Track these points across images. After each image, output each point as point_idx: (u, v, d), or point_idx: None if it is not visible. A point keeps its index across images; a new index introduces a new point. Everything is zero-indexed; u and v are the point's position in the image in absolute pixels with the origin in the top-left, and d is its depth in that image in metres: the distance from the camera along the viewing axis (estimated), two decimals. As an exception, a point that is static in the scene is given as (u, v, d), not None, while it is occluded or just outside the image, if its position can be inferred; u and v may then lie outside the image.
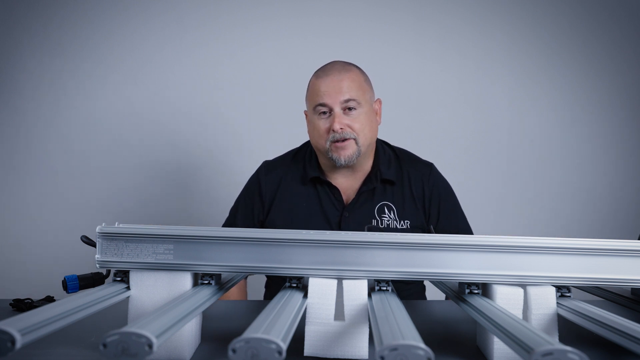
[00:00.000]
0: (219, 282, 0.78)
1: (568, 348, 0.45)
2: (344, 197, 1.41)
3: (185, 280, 0.73)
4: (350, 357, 0.70)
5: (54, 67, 2.25)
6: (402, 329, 0.53)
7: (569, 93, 2.36)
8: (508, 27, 2.35)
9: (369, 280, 0.74)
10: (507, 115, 2.35)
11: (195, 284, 0.76)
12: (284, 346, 0.48)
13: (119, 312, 0.79)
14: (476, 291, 0.75)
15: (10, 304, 0.95)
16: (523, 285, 0.73)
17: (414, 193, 1.40)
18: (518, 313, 0.72)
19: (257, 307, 0.92)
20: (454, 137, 2.32)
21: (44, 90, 2.25)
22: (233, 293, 1.37)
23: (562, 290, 0.75)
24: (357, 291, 0.71)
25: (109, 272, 0.81)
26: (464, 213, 1.48)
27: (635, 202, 2.33)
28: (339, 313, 0.71)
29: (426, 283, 1.49)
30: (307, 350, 0.70)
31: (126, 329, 0.47)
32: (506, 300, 0.71)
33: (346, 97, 1.32)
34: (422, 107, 2.33)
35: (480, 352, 0.76)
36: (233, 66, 2.30)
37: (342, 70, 1.35)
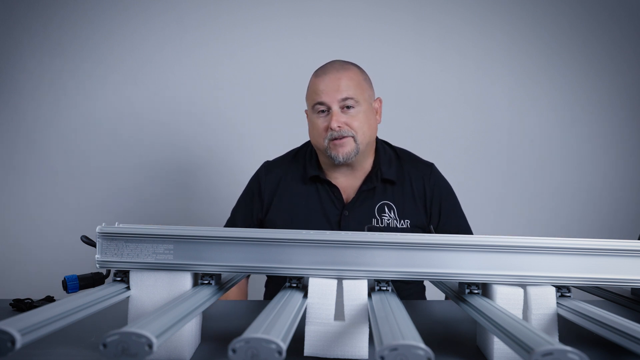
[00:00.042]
0: (219, 282, 0.78)
1: (568, 348, 0.45)
2: (344, 196, 1.41)
3: (185, 280, 0.73)
4: (350, 357, 0.70)
5: (54, 67, 2.26)
6: (402, 329, 0.53)
7: (569, 93, 2.36)
8: (508, 27, 2.35)
9: (369, 280, 0.74)
10: (507, 115, 2.35)
11: (195, 284, 0.76)
12: (284, 346, 0.48)
13: (119, 312, 0.78)
14: (476, 291, 0.75)
15: (10, 304, 0.95)
16: (523, 285, 0.73)
17: (414, 193, 1.40)
18: (518, 313, 0.72)
19: (257, 307, 0.92)
20: (454, 137, 2.33)
21: (44, 90, 2.25)
22: (233, 292, 1.37)
23: (562, 290, 0.75)
24: (357, 291, 0.71)
25: (109, 272, 0.81)
26: (463, 213, 1.48)
27: (635, 202, 2.33)
28: (339, 313, 0.71)
29: (426, 283, 1.49)
30: (307, 350, 0.70)
31: (126, 329, 0.47)
32: (506, 300, 0.71)
33: (344, 95, 1.32)
34: (422, 107, 2.33)
35: (480, 352, 0.76)
36: (233, 66, 2.30)
37: (341, 69, 1.36)
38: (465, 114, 2.33)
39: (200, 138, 2.29)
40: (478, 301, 0.70)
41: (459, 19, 2.34)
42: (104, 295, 0.67)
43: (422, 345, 0.47)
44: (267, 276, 1.51)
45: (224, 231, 0.74)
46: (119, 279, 0.75)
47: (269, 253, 0.73)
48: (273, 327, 0.53)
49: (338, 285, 0.72)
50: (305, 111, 1.44)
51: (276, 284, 1.45)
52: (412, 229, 1.37)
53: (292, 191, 1.42)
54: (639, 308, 0.87)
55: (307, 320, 0.70)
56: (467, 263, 0.72)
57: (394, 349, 0.47)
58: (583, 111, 2.36)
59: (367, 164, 1.42)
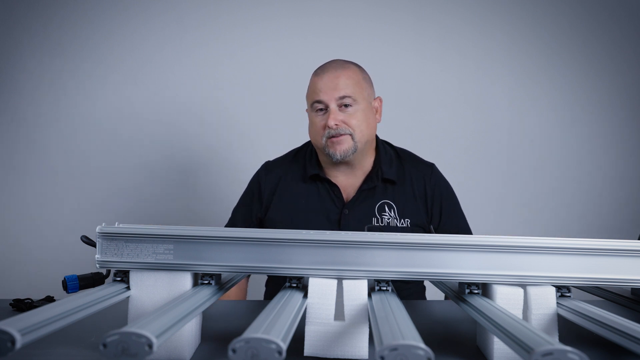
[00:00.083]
0: (219, 282, 0.78)
1: (568, 348, 0.45)
2: (344, 195, 1.41)
3: (185, 280, 0.73)
4: (350, 357, 0.70)
5: (54, 67, 2.26)
6: (402, 329, 0.53)
7: (569, 93, 2.36)
8: (508, 27, 2.35)
9: (369, 280, 0.74)
10: (507, 115, 2.35)
11: (195, 284, 0.76)
12: (284, 346, 0.48)
13: (119, 312, 0.79)
14: (476, 291, 0.75)
15: (10, 304, 0.95)
16: (523, 285, 0.73)
17: (415, 192, 1.41)
18: (518, 313, 0.72)
19: (257, 307, 0.92)
20: (454, 137, 2.33)
21: (44, 90, 2.25)
22: (232, 291, 1.37)
23: (562, 290, 0.75)
24: (357, 291, 0.71)
25: (109, 272, 0.81)
26: (463, 213, 1.49)
27: (635, 202, 2.33)
28: (339, 313, 0.71)
29: (426, 283, 1.49)
30: (307, 350, 0.70)
31: (126, 329, 0.47)
32: (506, 300, 0.71)
33: (341, 93, 1.33)
34: (422, 107, 2.33)
35: (480, 352, 0.76)
36: (233, 66, 2.30)
37: (339, 68, 1.36)
38: (465, 114, 2.33)
39: (200, 138, 2.29)
40: (478, 301, 0.70)
41: (459, 19, 2.34)
42: (104, 295, 0.67)
43: (422, 345, 0.47)
44: (268, 276, 1.51)
45: (224, 231, 0.74)
46: (119, 279, 0.75)
47: (269, 253, 0.73)
48: (273, 327, 0.53)
49: (338, 285, 0.72)
50: (307, 110, 1.45)
51: (276, 284, 1.45)
52: (412, 228, 1.37)
53: (292, 190, 1.43)
54: (639, 308, 0.87)
55: (307, 320, 0.70)
56: (467, 263, 0.72)
57: (394, 349, 0.47)
58: (583, 111, 2.36)
59: (367, 163, 1.42)
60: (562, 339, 0.72)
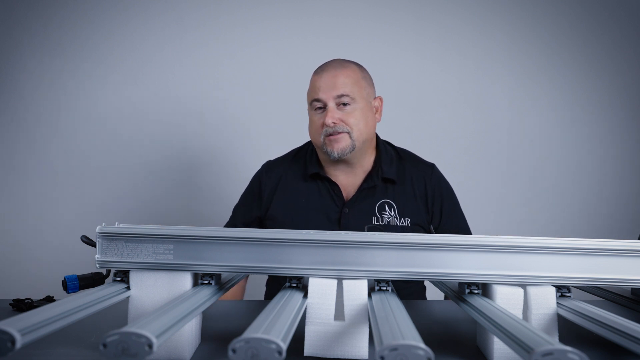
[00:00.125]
0: (219, 282, 0.78)
1: (568, 348, 0.45)
2: (344, 194, 1.41)
3: (185, 280, 0.73)
4: (350, 357, 0.70)
5: (54, 67, 2.26)
6: (402, 329, 0.53)
7: (569, 93, 2.36)
8: (508, 27, 2.35)
9: (369, 280, 0.74)
10: (507, 115, 2.35)
11: (195, 284, 0.76)
12: (284, 346, 0.48)
13: (119, 312, 0.79)
14: (476, 291, 0.75)
15: (10, 304, 0.95)
16: (523, 285, 0.73)
17: (415, 192, 1.41)
18: (518, 313, 0.72)
19: (257, 307, 0.92)
20: (454, 137, 2.33)
21: (44, 90, 2.26)
22: (230, 289, 1.37)
23: (562, 290, 0.75)
24: (357, 291, 0.71)
25: (109, 272, 0.81)
26: (463, 214, 1.49)
27: (635, 202, 2.33)
28: (339, 313, 0.71)
29: (426, 283, 1.49)
30: (307, 350, 0.70)
31: (126, 329, 0.47)
32: (506, 300, 0.71)
33: (340, 92, 1.33)
34: (422, 107, 2.33)
35: (480, 352, 0.76)
36: (233, 66, 2.30)
37: (339, 67, 1.37)
38: (465, 114, 2.33)
39: (200, 138, 2.29)
40: (478, 301, 0.70)
41: (459, 19, 2.34)
42: (104, 295, 0.67)
43: (422, 345, 0.47)
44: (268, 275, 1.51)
45: (224, 231, 0.74)
46: (119, 279, 0.75)
47: (269, 253, 0.73)
48: (273, 327, 0.53)
49: (338, 285, 0.72)
50: (308, 109, 1.45)
51: (277, 283, 1.45)
52: (413, 227, 1.37)
53: (293, 189, 1.43)
54: (639, 308, 0.87)
55: (307, 320, 0.70)
56: (467, 263, 0.72)
57: (394, 349, 0.47)
58: (583, 111, 2.36)
59: (367, 162, 1.43)
60: (562, 339, 0.72)
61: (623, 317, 0.64)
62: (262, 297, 1.55)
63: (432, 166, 1.48)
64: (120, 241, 0.73)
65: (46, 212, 2.24)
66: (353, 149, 1.35)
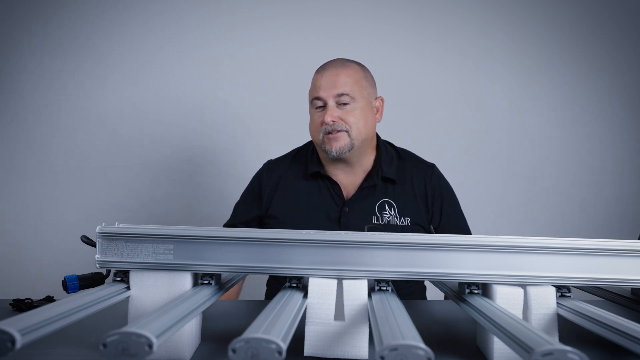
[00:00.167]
0: (219, 282, 0.78)
1: (568, 348, 0.45)
2: (345, 193, 1.41)
3: (185, 280, 0.73)
4: (350, 357, 0.70)
5: (54, 67, 2.26)
6: (402, 329, 0.53)
7: (569, 93, 2.36)
8: (508, 27, 2.35)
9: (369, 280, 0.74)
10: (507, 115, 2.35)
11: (195, 284, 0.76)
12: (284, 346, 0.48)
13: (119, 312, 0.79)
14: (476, 291, 0.75)
15: (10, 304, 0.95)
16: (523, 285, 0.73)
17: (415, 192, 1.41)
18: (518, 313, 0.72)
19: (257, 307, 0.92)
20: (454, 137, 2.33)
21: (44, 90, 2.26)
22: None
23: (562, 290, 0.75)
24: (357, 291, 0.71)
25: (109, 272, 0.81)
26: (463, 214, 1.49)
27: (635, 202, 2.33)
28: (339, 313, 0.71)
29: (427, 283, 1.49)
30: (307, 350, 0.70)
31: (126, 329, 0.47)
32: (506, 300, 0.71)
33: (340, 91, 1.34)
34: (422, 107, 2.33)
35: (480, 352, 0.76)
36: (233, 66, 2.30)
37: (340, 66, 1.37)
38: (465, 114, 2.33)
39: (201, 138, 2.29)
40: (478, 301, 0.70)
41: (459, 19, 2.34)
42: (104, 295, 0.67)
43: (422, 345, 0.47)
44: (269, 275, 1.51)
45: (224, 231, 0.74)
46: (119, 279, 0.75)
47: (269, 253, 0.73)
48: (273, 327, 0.53)
49: (338, 285, 0.72)
50: (309, 107, 1.45)
51: (278, 283, 1.45)
52: (413, 227, 1.37)
53: (293, 187, 1.43)
54: (639, 308, 0.87)
55: (307, 320, 0.70)
56: (467, 263, 0.72)
57: (394, 349, 0.47)
58: (583, 111, 2.36)
59: (367, 161, 1.43)
60: (562, 339, 0.72)
61: (623, 317, 0.64)
62: (262, 297, 1.55)
63: (432, 166, 1.48)
64: (120, 241, 0.73)
65: (46, 212, 2.24)
66: (352, 147, 1.35)
